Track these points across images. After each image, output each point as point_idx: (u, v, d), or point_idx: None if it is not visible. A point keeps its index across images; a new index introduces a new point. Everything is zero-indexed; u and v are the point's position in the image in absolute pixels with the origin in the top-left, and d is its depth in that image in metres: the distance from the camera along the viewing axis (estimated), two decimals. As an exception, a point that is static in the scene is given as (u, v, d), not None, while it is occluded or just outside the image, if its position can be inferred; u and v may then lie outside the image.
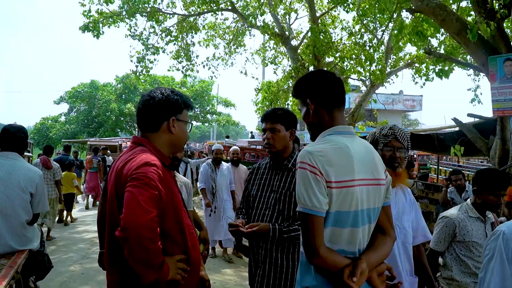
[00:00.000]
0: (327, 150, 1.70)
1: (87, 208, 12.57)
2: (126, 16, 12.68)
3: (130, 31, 13.21)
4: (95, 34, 12.38)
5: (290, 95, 14.55)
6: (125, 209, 1.63)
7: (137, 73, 13.67)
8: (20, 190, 3.33)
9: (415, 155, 16.34)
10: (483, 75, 6.00)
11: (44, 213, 7.03)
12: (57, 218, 9.00)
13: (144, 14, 12.77)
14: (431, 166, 15.98)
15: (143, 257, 1.61)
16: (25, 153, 8.32)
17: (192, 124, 2.18)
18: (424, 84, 13.88)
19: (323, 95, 1.86)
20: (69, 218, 10.01)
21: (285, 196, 2.62)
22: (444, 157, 14.78)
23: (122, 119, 38.08)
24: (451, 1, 6.96)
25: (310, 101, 1.88)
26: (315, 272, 1.70)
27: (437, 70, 7.06)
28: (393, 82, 21.40)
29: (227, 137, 24.06)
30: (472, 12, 7.05)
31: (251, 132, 30.02)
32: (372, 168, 1.79)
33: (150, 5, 12.51)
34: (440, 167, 11.36)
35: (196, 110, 37.70)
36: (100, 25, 12.39)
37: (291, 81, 13.69)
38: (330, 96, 1.87)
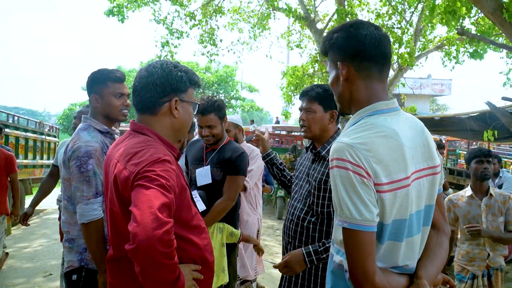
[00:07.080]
0: (372, 141, 1.26)
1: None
2: (151, 0, 12.64)
3: (154, 16, 13.19)
4: (120, 18, 12.40)
5: (316, 79, 14.35)
6: (136, 217, 1.34)
7: (162, 58, 13.57)
8: None
9: (443, 141, 15.93)
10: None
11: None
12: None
13: (168, -3, 12.69)
14: (460, 151, 15.59)
15: (156, 275, 1.36)
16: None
17: (198, 104, 1.87)
18: (453, 67, 13.49)
19: (361, 55, 1.37)
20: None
21: (314, 189, 2.27)
22: (474, 143, 14.37)
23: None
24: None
25: (342, 63, 1.39)
26: (350, 281, 1.36)
27: (470, 51, 6.80)
28: (422, 66, 20.76)
29: (252, 121, 24.01)
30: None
31: (276, 118, 29.93)
32: (425, 154, 1.39)
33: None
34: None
35: (220, 95, 37.71)
36: (125, 9, 12.40)
37: (316, 65, 13.47)
38: (372, 57, 1.37)
